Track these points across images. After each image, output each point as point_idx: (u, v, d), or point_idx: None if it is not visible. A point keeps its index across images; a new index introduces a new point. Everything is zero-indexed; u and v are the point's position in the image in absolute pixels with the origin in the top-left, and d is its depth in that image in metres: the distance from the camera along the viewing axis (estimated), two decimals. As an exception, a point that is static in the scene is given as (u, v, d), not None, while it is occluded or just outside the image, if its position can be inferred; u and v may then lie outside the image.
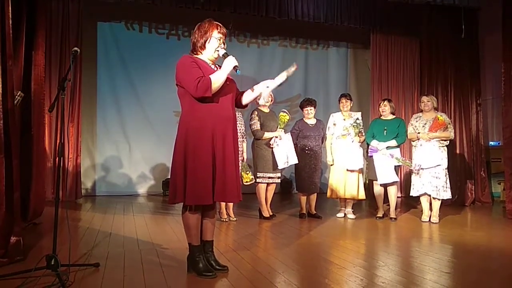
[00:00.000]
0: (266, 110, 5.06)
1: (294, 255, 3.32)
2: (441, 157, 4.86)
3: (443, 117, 4.94)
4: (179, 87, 2.65)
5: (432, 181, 4.85)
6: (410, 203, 6.61)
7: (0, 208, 2.75)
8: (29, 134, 4.01)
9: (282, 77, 2.71)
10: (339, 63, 8.86)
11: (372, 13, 7.54)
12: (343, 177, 5.04)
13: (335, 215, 5.21)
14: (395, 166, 4.96)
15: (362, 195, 5.07)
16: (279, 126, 4.95)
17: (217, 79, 2.56)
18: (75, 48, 2.75)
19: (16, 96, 3.45)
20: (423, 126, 4.97)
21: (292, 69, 2.71)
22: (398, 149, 5.04)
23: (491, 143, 7.40)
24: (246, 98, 2.82)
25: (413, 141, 5.06)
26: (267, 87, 2.73)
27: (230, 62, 2.59)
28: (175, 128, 2.70)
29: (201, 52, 2.71)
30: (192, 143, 2.55)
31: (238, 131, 4.02)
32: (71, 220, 4.57)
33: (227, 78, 2.65)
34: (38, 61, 4.16)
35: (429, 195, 4.92)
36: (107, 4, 6.91)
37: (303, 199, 5.17)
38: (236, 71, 2.60)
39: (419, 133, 4.95)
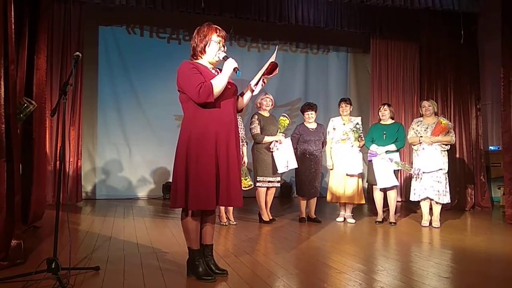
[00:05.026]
0: (266, 114, 5.08)
1: (294, 259, 3.33)
2: (443, 161, 4.88)
3: (445, 121, 4.95)
4: (180, 93, 2.65)
5: (434, 185, 4.86)
6: (409, 207, 6.61)
7: (1, 211, 2.76)
8: (30, 138, 4.03)
9: (267, 63, 2.67)
10: (339, 67, 8.87)
11: (372, 18, 7.59)
12: (343, 182, 5.05)
13: (334, 220, 5.21)
14: (394, 170, 4.97)
15: (361, 199, 5.09)
16: (279, 130, 4.97)
17: (219, 83, 2.55)
18: (77, 53, 2.74)
19: (30, 106, 3.46)
20: (425, 130, 4.99)
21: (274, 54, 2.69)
22: (397, 154, 5.05)
23: (491, 147, 7.42)
24: (245, 98, 2.79)
25: (414, 145, 5.06)
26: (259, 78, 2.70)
27: (230, 64, 2.58)
28: (175, 132, 2.71)
29: (201, 57, 2.71)
30: (194, 149, 2.55)
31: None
32: (71, 223, 4.57)
33: (228, 82, 2.64)
34: (39, 65, 4.19)
35: (431, 200, 4.93)
36: (108, 9, 6.94)
37: (303, 203, 5.18)
38: (237, 72, 2.58)
39: (421, 137, 4.97)
